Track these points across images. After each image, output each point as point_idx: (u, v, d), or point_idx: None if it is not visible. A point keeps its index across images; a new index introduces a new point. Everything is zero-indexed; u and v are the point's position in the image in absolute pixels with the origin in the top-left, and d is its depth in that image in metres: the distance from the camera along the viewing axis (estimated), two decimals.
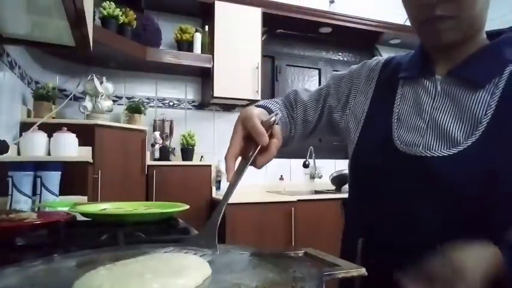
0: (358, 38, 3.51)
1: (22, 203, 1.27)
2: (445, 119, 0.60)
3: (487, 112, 0.56)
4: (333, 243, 2.78)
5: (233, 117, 3.12)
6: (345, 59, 3.68)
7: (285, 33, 3.34)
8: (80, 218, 0.88)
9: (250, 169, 0.59)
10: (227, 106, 3.05)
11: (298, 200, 2.51)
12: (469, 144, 0.56)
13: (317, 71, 3.53)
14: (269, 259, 0.49)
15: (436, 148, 0.58)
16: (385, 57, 0.79)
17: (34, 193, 1.33)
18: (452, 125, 0.59)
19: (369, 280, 0.62)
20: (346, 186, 2.73)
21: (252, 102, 2.89)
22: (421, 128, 0.62)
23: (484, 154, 0.54)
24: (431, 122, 0.61)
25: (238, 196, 2.41)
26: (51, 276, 0.44)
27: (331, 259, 0.52)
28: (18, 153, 1.69)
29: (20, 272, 0.44)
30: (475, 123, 0.57)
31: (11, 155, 1.48)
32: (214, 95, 2.70)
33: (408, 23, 0.67)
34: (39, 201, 1.32)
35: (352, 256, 0.65)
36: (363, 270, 0.50)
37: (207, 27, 2.80)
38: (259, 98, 2.82)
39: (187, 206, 0.94)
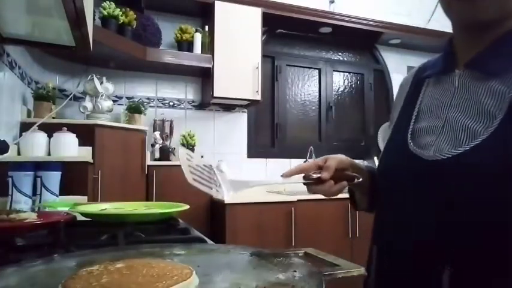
0: (358, 38, 3.51)
1: (22, 203, 1.27)
2: (459, 117, 0.56)
3: (502, 106, 0.52)
4: (332, 243, 2.78)
5: (233, 117, 3.12)
6: (345, 58, 3.68)
7: (285, 33, 3.34)
8: (80, 218, 0.88)
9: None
10: (227, 106, 3.05)
11: (298, 200, 2.51)
12: (478, 142, 0.52)
13: (317, 71, 3.53)
14: (269, 259, 0.49)
15: (447, 149, 0.55)
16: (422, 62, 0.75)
17: (34, 193, 1.33)
18: (466, 122, 0.55)
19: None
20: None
21: (252, 102, 2.89)
22: (437, 128, 0.59)
23: (496, 150, 0.50)
24: (447, 121, 0.58)
25: (238, 196, 2.41)
26: (51, 276, 0.44)
27: (331, 259, 0.52)
28: (18, 153, 1.69)
29: (20, 272, 0.44)
30: (490, 119, 0.52)
31: (11, 155, 1.48)
32: (214, 95, 2.70)
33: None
34: (39, 201, 1.32)
35: (369, 262, 0.65)
36: (362, 270, 0.50)
37: (207, 27, 2.80)
38: (259, 98, 2.82)
39: (187, 206, 0.94)
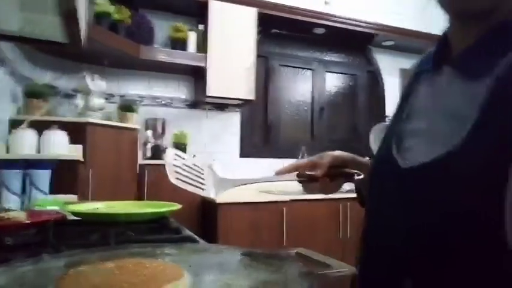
0: (352, 39, 3.53)
1: (11, 202, 1.25)
2: (441, 120, 0.52)
3: (474, 112, 0.47)
4: (324, 243, 2.77)
5: (226, 116, 3.12)
6: (338, 59, 3.70)
7: (279, 33, 3.35)
8: (70, 217, 0.87)
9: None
10: (220, 105, 3.05)
11: (290, 200, 2.52)
12: (443, 153, 0.47)
13: (310, 72, 3.55)
14: (261, 259, 0.49)
15: (423, 156, 0.50)
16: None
17: (23, 192, 1.31)
18: (445, 127, 0.51)
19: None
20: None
21: (245, 101, 2.89)
22: (420, 131, 0.55)
23: (461, 161, 0.45)
24: (431, 124, 0.54)
25: (230, 196, 2.41)
26: (40, 276, 0.44)
27: (323, 259, 0.52)
28: (8, 151, 1.67)
29: (8, 271, 0.43)
30: (463, 125, 0.47)
31: (0, 153, 1.46)
32: (208, 94, 2.69)
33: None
34: (29, 200, 1.31)
35: (356, 261, 0.65)
36: (353, 270, 0.51)
37: (201, 26, 2.80)
38: (253, 97, 2.83)
39: (179, 206, 0.94)
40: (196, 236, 0.77)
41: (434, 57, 0.59)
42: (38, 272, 0.45)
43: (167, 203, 1.00)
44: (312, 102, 3.53)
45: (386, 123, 3.40)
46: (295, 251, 0.55)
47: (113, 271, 0.42)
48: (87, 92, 2.25)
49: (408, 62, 3.76)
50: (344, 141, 3.60)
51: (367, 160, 0.75)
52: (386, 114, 3.76)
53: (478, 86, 0.48)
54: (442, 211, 0.47)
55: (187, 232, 0.82)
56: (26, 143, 1.67)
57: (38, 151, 1.72)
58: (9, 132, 1.74)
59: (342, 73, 3.70)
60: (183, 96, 2.99)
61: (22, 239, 0.69)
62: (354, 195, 0.82)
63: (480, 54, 0.51)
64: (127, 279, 0.40)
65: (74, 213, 0.87)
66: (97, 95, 2.28)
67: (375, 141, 3.36)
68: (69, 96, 2.44)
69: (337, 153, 0.72)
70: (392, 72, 3.79)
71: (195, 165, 0.64)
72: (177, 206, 0.94)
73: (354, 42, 3.61)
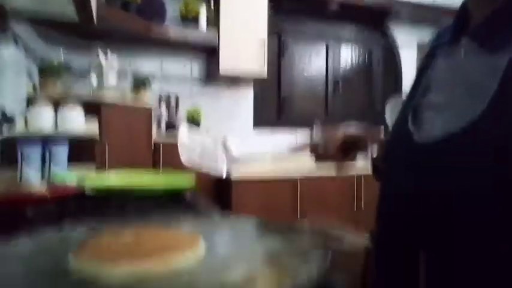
0: (367, 13, 3.41)
1: (32, 176, 1.29)
2: (460, 94, 0.50)
3: (494, 85, 0.46)
4: (338, 217, 2.76)
5: (239, 92, 3.10)
6: (353, 34, 3.59)
7: (292, 8, 3.26)
8: (88, 191, 0.89)
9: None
10: (233, 81, 3.03)
11: (304, 176, 2.52)
12: (458, 129, 0.47)
13: (324, 48, 3.47)
14: (275, 230, 0.50)
15: (440, 131, 0.50)
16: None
17: (43, 166, 1.35)
18: (464, 101, 0.49)
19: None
20: None
21: (258, 78, 2.87)
22: (438, 104, 0.54)
23: (477, 137, 0.45)
24: (450, 98, 0.52)
25: (244, 172, 2.42)
26: (61, 245, 0.46)
27: (337, 232, 0.52)
28: (26, 128, 1.70)
29: (32, 239, 0.45)
30: (482, 99, 0.46)
31: (19, 129, 1.49)
32: (220, 70, 2.68)
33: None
34: (48, 174, 1.35)
35: (372, 233, 0.66)
36: (367, 243, 0.51)
37: (212, 2, 2.74)
38: (265, 73, 2.80)
39: (193, 176, 0.97)
40: (211, 209, 0.78)
41: (453, 28, 0.57)
42: (60, 239, 0.46)
43: (183, 175, 1.02)
44: (326, 77, 3.47)
45: (402, 96, 3.33)
46: (310, 223, 0.55)
47: (131, 240, 0.43)
48: (100, 70, 2.26)
49: (426, 36, 3.63)
50: (359, 116, 3.54)
51: (380, 132, 0.75)
52: (403, 88, 3.67)
53: (498, 58, 0.47)
54: (465, 182, 0.46)
55: (203, 204, 0.84)
56: (43, 119, 1.70)
57: (56, 127, 1.75)
58: (27, 109, 1.77)
59: (357, 48, 3.60)
60: (196, 73, 2.97)
61: (43, 212, 0.71)
62: (368, 170, 0.81)
63: (499, 26, 0.50)
64: (144, 247, 0.41)
65: (92, 187, 0.89)
66: (110, 72, 2.29)
67: (390, 115, 3.30)
68: (83, 73, 2.46)
69: (350, 128, 0.72)
70: (409, 46, 3.67)
71: (208, 142, 0.65)
72: (191, 177, 0.96)
73: (369, 16, 3.49)
